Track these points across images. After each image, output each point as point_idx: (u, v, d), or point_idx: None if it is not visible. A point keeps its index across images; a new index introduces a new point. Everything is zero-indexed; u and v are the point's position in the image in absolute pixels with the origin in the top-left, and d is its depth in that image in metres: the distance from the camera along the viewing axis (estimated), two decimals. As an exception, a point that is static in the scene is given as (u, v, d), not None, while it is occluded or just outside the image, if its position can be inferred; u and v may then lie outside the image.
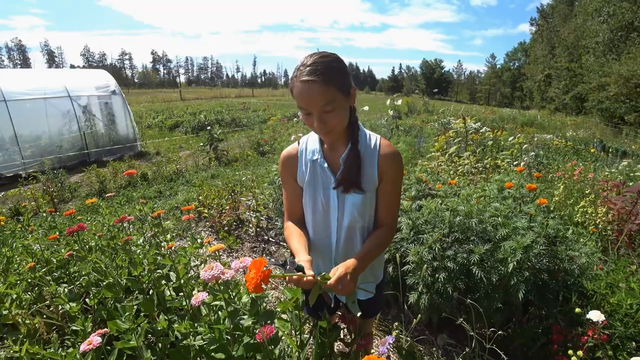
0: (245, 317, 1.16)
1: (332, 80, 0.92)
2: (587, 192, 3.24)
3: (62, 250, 1.95)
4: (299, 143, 1.19)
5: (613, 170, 4.98)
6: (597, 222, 2.87)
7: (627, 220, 2.96)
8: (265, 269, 0.79)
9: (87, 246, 1.93)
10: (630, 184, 3.59)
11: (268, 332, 1.03)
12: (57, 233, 2.14)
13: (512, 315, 1.91)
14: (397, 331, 0.93)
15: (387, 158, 1.08)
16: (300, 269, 0.93)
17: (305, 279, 0.88)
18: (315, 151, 1.12)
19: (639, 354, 1.78)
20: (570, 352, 1.20)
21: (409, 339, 0.93)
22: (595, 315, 1.17)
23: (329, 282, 0.90)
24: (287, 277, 0.90)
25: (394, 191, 1.12)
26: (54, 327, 1.85)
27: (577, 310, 1.27)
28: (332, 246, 1.20)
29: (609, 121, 20.96)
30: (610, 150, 8.95)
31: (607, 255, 2.72)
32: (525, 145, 4.99)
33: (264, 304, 1.21)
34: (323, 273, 0.93)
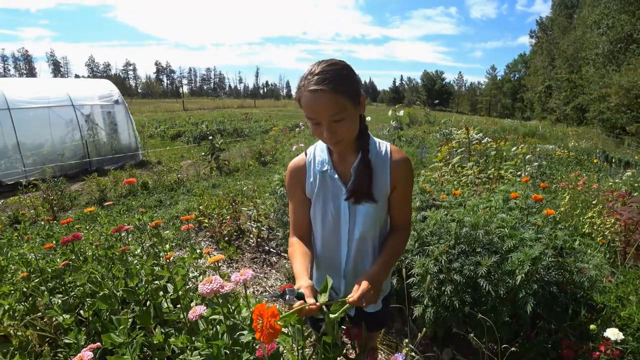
0: (245, 332, 1.11)
1: (341, 89, 0.89)
2: (594, 202, 3.19)
3: (58, 260, 1.91)
4: (306, 154, 1.15)
5: (617, 180, 4.94)
6: (605, 233, 2.81)
7: (634, 231, 2.91)
8: (266, 302, 0.73)
9: (83, 256, 1.89)
10: (635, 194, 3.55)
11: (269, 349, 0.98)
12: (54, 242, 2.10)
13: (520, 329, 1.85)
14: (407, 349, 0.88)
15: (399, 164, 1.06)
16: (300, 296, 0.87)
17: (307, 307, 0.84)
18: (325, 162, 1.09)
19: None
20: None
21: (416, 355, 0.88)
22: (613, 334, 1.12)
23: (351, 299, 0.87)
24: (288, 309, 0.85)
25: (407, 195, 1.11)
26: (47, 340, 1.79)
27: (592, 327, 1.21)
28: (342, 260, 1.15)
29: (611, 132, 20.97)
30: (613, 160, 8.92)
31: (615, 267, 2.66)
32: (529, 156, 4.96)
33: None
34: (339, 300, 0.88)
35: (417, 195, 2.18)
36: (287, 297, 0.89)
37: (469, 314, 1.62)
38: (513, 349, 1.33)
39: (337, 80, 0.89)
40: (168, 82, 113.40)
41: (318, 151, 1.12)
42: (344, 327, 1.15)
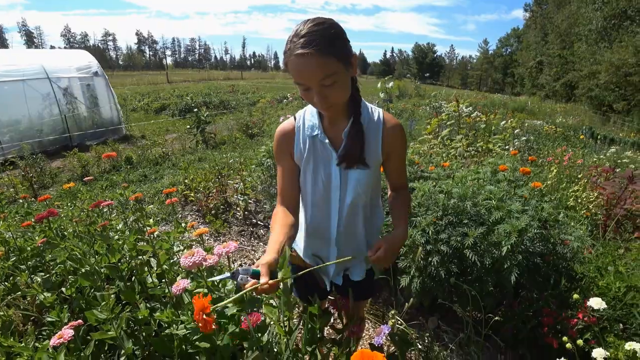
0: (230, 304, 1.09)
1: (330, 51, 0.83)
2: (579, 177, 3.24)
3: (37, 238, 1.84)
4: (295, 118, 1.10)
5: (601, 156, 5.05)
6: (588, 206, 2.88)
7: (615, 205, 2.98)
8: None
9: (62, 232, 1.83)
10: (618, 170, 3.62)
11: (254, 320, 0.96)
12: (32, 220, 2.03)
13: (504, 299, 1.90)
14: (393, 320, 0.87)
15: (393, 131, 1.04)
16: (256, 274, 0.82)
17: (260, 287, 0.78)
18: (315, 126, 1.04)
19: (625, 335, 1.81)
20: (565, 338, 1.17)
21: (402, 326, 0.88)
22: (596, 303, 1.14)
23: (373, 257, 0.91)
24: (240, 288, 0.80)
25: (402, 162, 1.11)
26: (31, 318, 1.76)
27: (576, 296, 1.24)
28: (333, 227, 1.13)
29: (598, 109, 21.24)
30: (598, 137, 9.07)
31: (595, 239, 2.74)
32: (517, 130, 4.98)
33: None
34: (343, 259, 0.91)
35: (406, 167, 2.16)
36: (239, 276, 0.84)
37: (454, 284, 1.64)
38: (496, 317, 1.36)
39: (326, 42, 0.83)
40: (150, 53, 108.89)
41: (308, 115, 1.07)
42: (331, 298, 1.14)
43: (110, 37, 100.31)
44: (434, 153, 3.04)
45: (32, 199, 3.28)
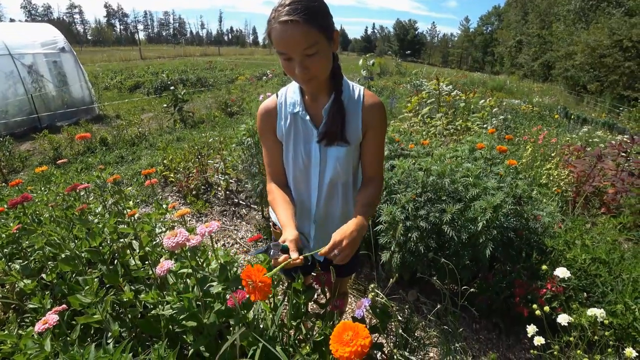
0: (215, 283, 1.11)
1: (314, 21, 0.84)
2: (552, 155, 3.36)
3: (11, 224, 1.78)
4: (277, 95, 1.10)
5: (574, 135, 5.24)
6: (560, 183, 3.01)
7: (584, 183, 3.14)
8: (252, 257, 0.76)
9: (38, 218, 1.77)
10: (589, 149, 3.78)
11: (240, 298, 0.98)
12: (5, 206, 1.95)
13: (479, 272, 2.00)
14: (373, 294, 0.91)
15: (372, 109, 1.03)
16: (285, 249, 0.88)
17: (291, 261, 0.84)
18: (296, 103, 1.05)
19: (588, 302, 1.95)
20: (534, 306, 1.25)
21: (383, 299, 0.92)
22: (562, 272, 1.22)
23: (322, 250, 0.88)
24: (273, 263, 0.86)
25: (379, 143, 1.08)
26: (12, 306, 1.73)
27: (544, 267, 1.32)
28: (313, 204, 1.15)
29: (573, 89, 21.85)
30: (572, 117, 9.38)
31: (565, 215, 2.89)
32: (495, 109, 5.08)
33: (235, 269, 1.16)
34: (314, 251, 0.91)
35: (386, 144, 2.19)
36: (271, 252, 0.89)
37: (433, 258, 1.72)
38: (472, 289, 1.43)
39: (310, 12, 0.84)
40: (121, 27, 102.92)
41: (290, 92, 1.08)
42: (314, 274, 1.17)
43: (77, 10, 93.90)
44: (414, 131, 3.08)
45: (3, 184, 3.14)
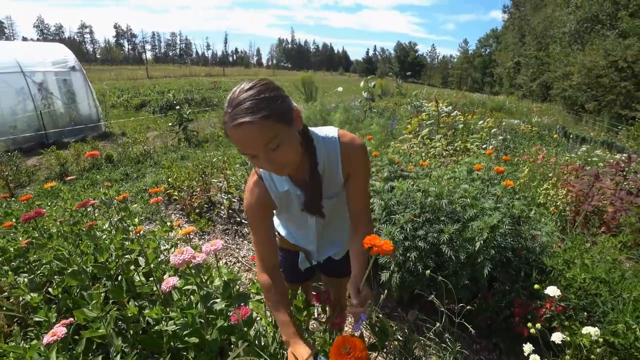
0: (218, 300, 1.14)
1: (267, 114, 0.80)
2: (549, 175, 3.41)
3: (20, 239, 1.83)
4: (260, 176, 1.06)
5: (573, 155, 5.29)
6: (557, 203, 3.04)
7: (583, 202, 3.17)
8: None
9: (47, 233, 1.82)
10: (588, 168, 3.83)
11: (243, 314, 1.02)
12: (14, 220, 2.00)
13: (478, 291, 2.01)
14: (370, 308, 0.94)
15: (350, 156, 1.02)
16: None
17: None
18: (283, 180, 1.04)
19: (589, 322, 1.95)
20: (529, 324, 1.28)
21: (380, 315, 0.95)
22: (552, 291, 1.26)
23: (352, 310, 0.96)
24: None
25: (363, 182, 1.07)
26: (15, 320, 1.75)
27: (537, 286, 1.35)
28: (312, 237, 1.24)
29: (571, 109, 22.12)
30: (571, 136, 9.48)
31: (565, 234, 2.91)
32: (494, 130, 5.17)
33: (237, 287, 1.19)
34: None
35: (386, 165, 2.25)
36: None
37: (431, 277, 1.74)
38: (468, 307, 1.46)
39: (260, 107, 0.80)
40: (129, 47, 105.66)
41: None
42: (314, 293, 1.21)
43: (87, 30, 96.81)
44: (414, 152, 3.15)
45: (12, 198, 3.20)
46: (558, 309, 1.91)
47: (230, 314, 1.11)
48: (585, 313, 1.99)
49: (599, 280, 2.17)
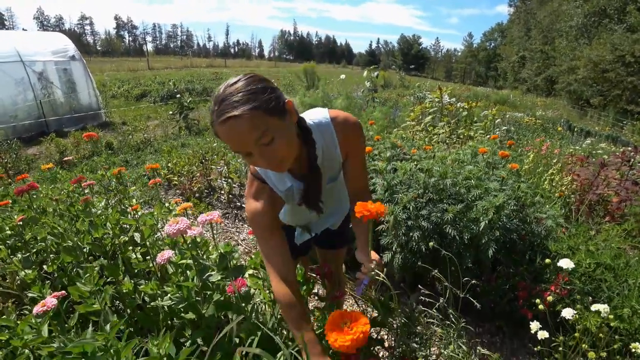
0: (214, 272, 1.10)
1: (255, 106, 0.74)
2: (554, 161, 3.36)
3: (15, 217, 1.80)
4: (259, 178, 1.00)
5: (577, 147, 5.24)
6: (562, 189, 3.00)
7: (588, 191, 3.12)
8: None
9: (43, 209, 1.79)
10: (593, 160, 3.77)
11: (239, 285, 0.98)
12: (10, 200, 1.97)
13: (482, 274, 1.98)
14: (372, 272, 0.91)
15: (345, 131, 0.97)
16: None
17: None
18: (285, 177, 1.00)
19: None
20: (537, 300, 1.24)
21: (382, 278, 0.91)
22: (565, 263, 1.22)
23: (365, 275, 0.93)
24: None
25: (361, 159, 1.04)
26: (11, 297, 1.73)
27: (547, 260, 1.31)
28: (314, 217, 1.22)
29: (576, 103, 21.97)
30: (575, 129, 9.40)
31: (569, 223, 2.87)
32: (498, 120, 5.10)
33: (234, 261, 1.16)
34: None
35: (388, 149, 2.20)
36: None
37: (434, 260, 1.70)
38: (475, 283, 1.42)
39: (247, 99, 0.75)
40: (130, 38, 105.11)
41: None
42: (313, 267, 1.17)
43: (87, 21, 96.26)
44: (417, 138, 3.10)
45: (10, 185, 3.17)
46: (563, 292, 1.87)
47: (227, 286, 1.07)
48: (590, 298, 1.96)
49: (603, 266, 2.14)
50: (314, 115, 0.97)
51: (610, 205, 3.10)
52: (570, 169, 3.38)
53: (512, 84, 35.79)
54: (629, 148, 4.37)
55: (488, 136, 3.95)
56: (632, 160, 3.32)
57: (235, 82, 0.78)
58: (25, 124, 6.98)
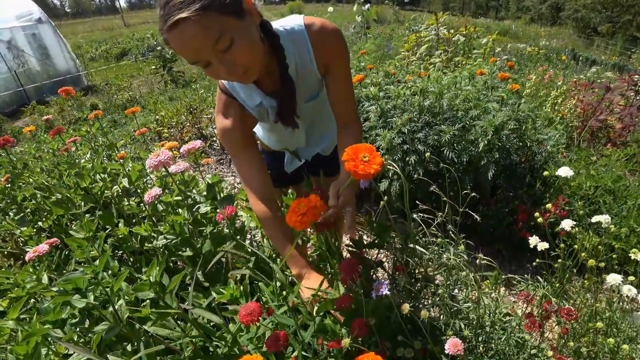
0: (202, 205, 1.07)
1: (206, 5, 0.64)
2: (559, 83, 3.23)
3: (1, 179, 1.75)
4: (227, 92, 0.90)
5: (581, 76, 5.01)
6: (565, 112, 2.91)
7: (591, 117, 3.03)
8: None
9: (24, 163, 1.73)
10: (596, 90, 3.63)
11: (228, 212, 0.94)
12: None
13: (481, 199, 1.96)
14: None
15: (322, 40, 0.85)
16: None
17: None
18: (253, 92, 0.89)
19: (591, 228, 1.93)
20: (536, 214, 1.21)
21: (391, 164, 0.87)
22: (564, 171, 1.17)
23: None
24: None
25: (344, 73, 0.90)
26: (12, 256, 1.75)
27: (546, 173, 1.26)
28: (298, 142, 1.16)
29: (582, 32, 20.84)
30: (580, 59, 8.99)
31: (570, 150, 2.82)
32: (498, 49, 4.84)
33: (223, 191, 1.12)
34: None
35: (382, 78, 2.06)
36: None
37: (429, 158, 1.64)
38: (471, 194, 1.39)
39: None
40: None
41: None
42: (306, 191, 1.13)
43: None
44: (412, 67, 2.94)
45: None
46: (562, 213, 1.87)
47: (218, 212, 1.04)
48: (589, 219, 1.97)
49: (603, 189, 2.13)
50: (286, 22, 0.85)
51: (612, 133, 3.02)
52: (574, 96, 3.25)
53: (515, 14, 33.72)
54: (636, 75, 4.19)
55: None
56: (639, 85, 3.18)
57: None
58: (4, 98, 6.65)
